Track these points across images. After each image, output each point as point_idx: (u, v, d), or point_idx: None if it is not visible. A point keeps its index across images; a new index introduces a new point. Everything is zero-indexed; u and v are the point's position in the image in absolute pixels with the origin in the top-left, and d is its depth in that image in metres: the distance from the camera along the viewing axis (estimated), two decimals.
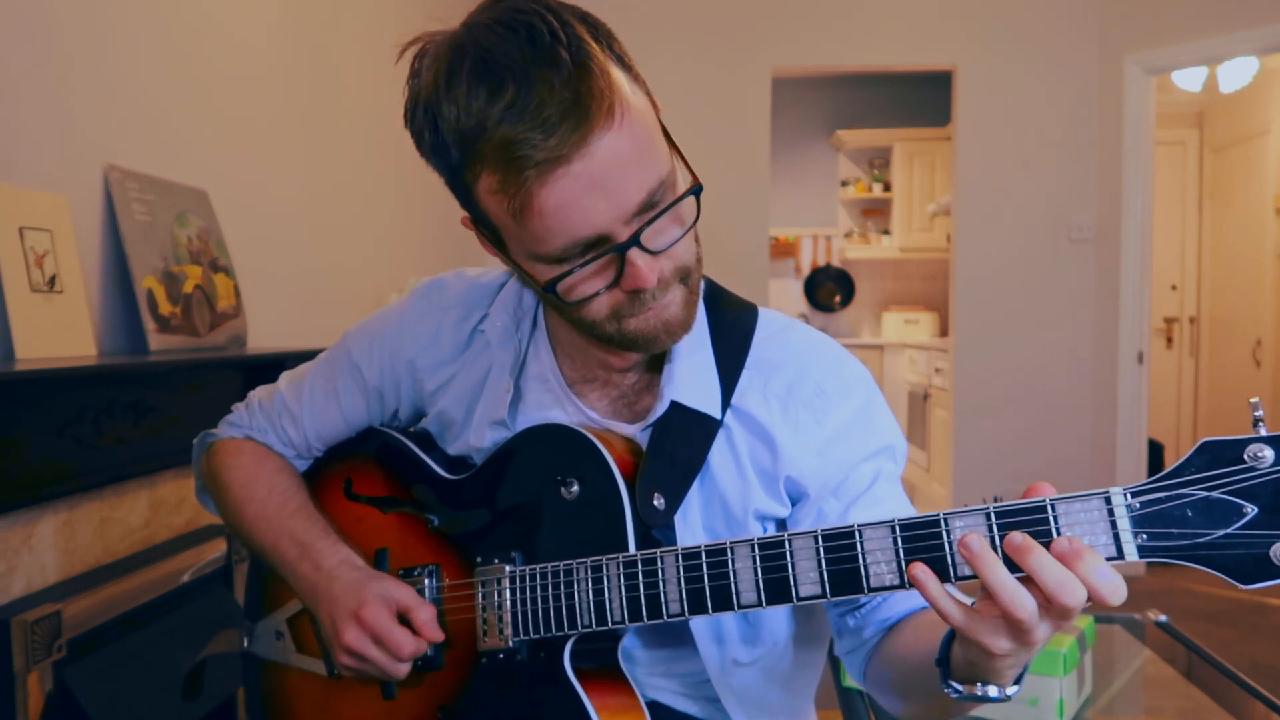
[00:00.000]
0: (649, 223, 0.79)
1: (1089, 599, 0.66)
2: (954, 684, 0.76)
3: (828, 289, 7.09)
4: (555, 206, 0.76)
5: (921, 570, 0.70)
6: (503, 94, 0.74)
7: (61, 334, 1.57)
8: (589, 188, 0.75)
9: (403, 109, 0.83)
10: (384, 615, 0.90)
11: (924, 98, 6.58)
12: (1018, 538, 0.67)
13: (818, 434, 0.92)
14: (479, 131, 0.75)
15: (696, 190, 0.81)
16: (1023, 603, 0.66)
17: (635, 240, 0.79)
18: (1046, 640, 0.69)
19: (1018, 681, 0.75)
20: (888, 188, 6.91)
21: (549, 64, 0.74)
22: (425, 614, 0.92)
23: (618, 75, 0.78)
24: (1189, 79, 4.73)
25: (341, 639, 0.91)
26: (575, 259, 0.80)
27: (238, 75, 2.26)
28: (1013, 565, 0.67)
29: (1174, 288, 6.08)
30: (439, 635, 0.92)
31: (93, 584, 1.49)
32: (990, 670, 0.73)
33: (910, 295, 7.11)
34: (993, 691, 0.74)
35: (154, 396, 1.65)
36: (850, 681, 1.44)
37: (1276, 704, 1.47)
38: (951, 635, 0.77)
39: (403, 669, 0.92)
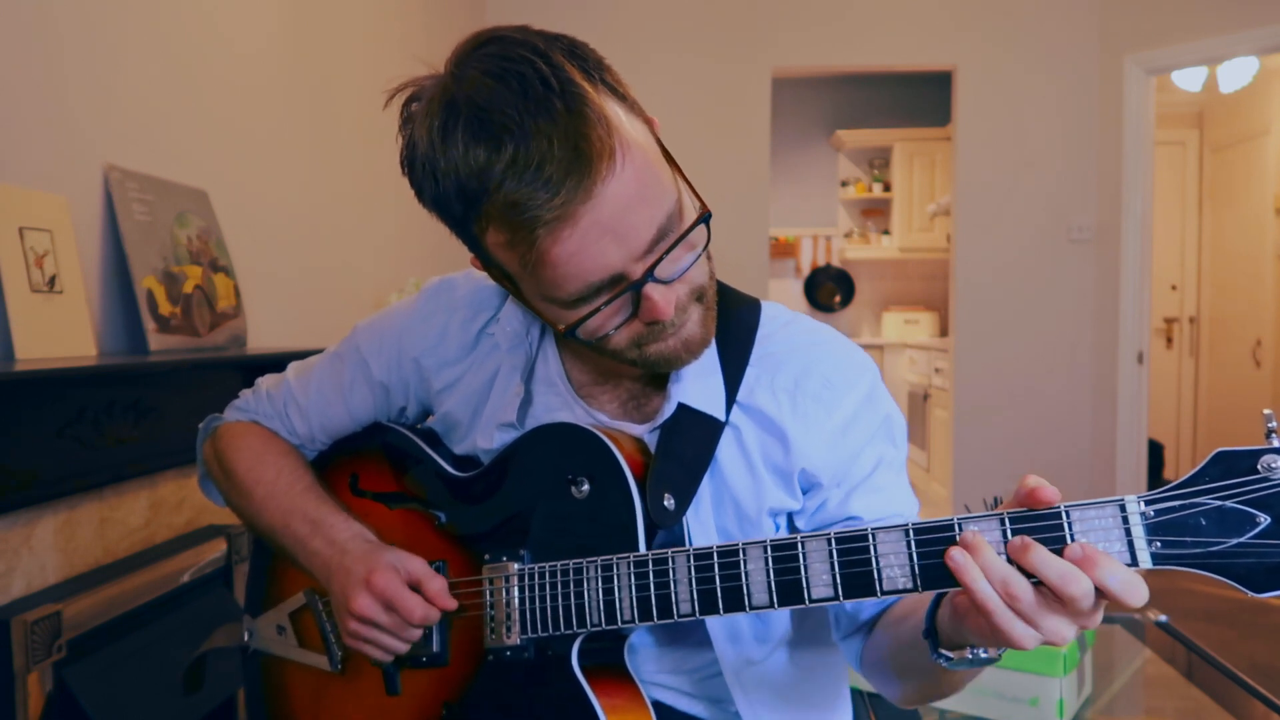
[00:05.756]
0: (661, 257, 0.79)
1: (1107, 601, 0.66)
2: (944, 652, 0.76)
3: (828, 289, 7.09)
4: (566, 257, 0.76)
5: (960, 554, 0.69)
6: (501, 152, 0.73)
7: (61, 334, 1.57)
8: (599, 235, 0.75)
9: (399, 156, 0.82)
10: (395, 580, 0.90)
11: (924, 98, 6.58)
12: (1017, 541, 0.68)
13: (827, 425, 0.92)
14: (481, 190, 0.75)
15: (706, 218, 0.82)
16: (1011, 618, 0.67)
17: (649, 275, 0.79)
18: (1071, 636, 0.69)
19: None
20: (888, 188, 6.90)
21: (544, 115, 0.73)
22: (437, 584, 0.92)
23: (614, 112, 0.77)
24: (1189, 79, 4.73)
25: (351, 605, 0.91)
26: (591, 301, 0.80)
27: (238, 75, 2.25)
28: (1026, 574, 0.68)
29: (1174, 288, 6.09)
30: (452, 603, 0.92)
31: (93, 584, 1.49)
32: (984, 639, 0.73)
33: (910, 295, 7.11)
34: (983, 653, 0.74)
35: (154, 396, 1.65)
36: (850, 682, 1.44)
37: (1276, 704, 1.47)
38: (935, 606, 0.78)
39: (413, 634, 0.92)
